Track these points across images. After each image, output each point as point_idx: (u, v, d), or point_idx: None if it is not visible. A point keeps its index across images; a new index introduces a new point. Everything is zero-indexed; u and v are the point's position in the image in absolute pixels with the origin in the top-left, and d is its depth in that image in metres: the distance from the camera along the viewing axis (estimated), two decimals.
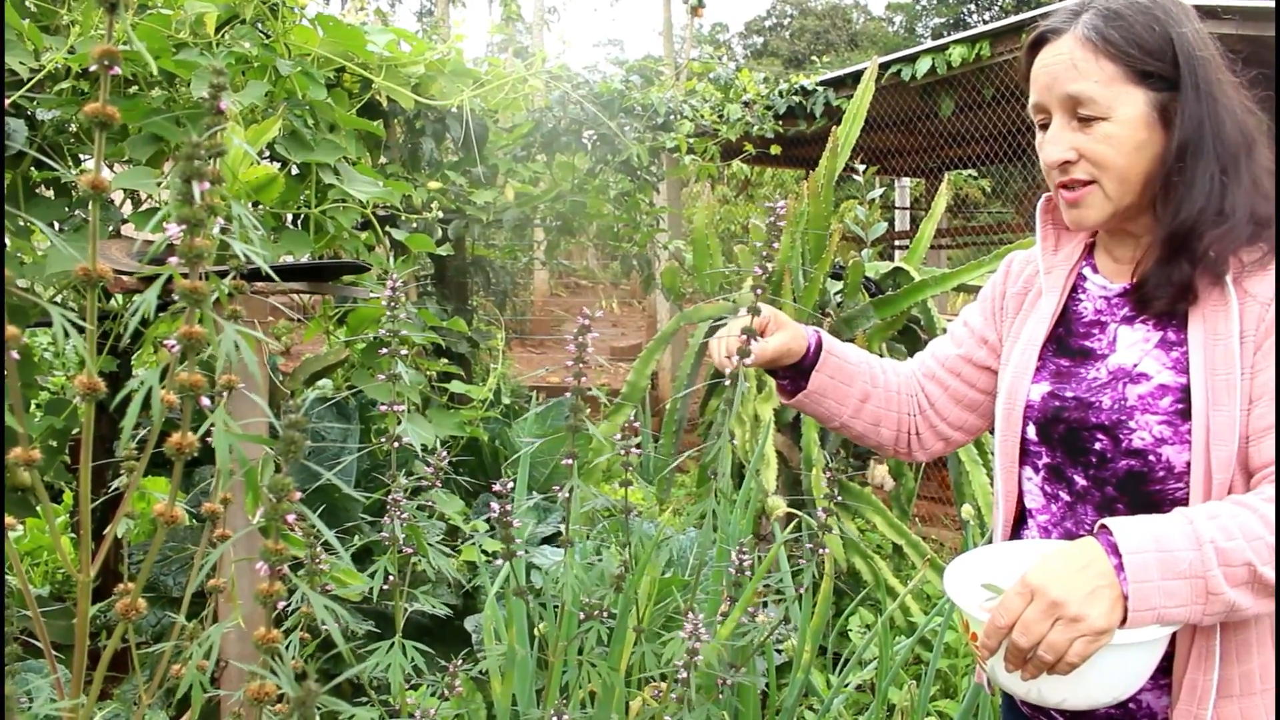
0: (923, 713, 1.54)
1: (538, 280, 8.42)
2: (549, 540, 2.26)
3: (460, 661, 1.17)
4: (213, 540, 0.86)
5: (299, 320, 2.16)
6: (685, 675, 0.99)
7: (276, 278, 1.16)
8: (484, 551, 2.12)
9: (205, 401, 0.65)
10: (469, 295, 3.05)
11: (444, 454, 1.19)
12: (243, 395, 0.83)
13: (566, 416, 0.96)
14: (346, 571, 1.53)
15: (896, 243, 5.77)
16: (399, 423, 1.11)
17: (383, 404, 1.12)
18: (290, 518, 0.64)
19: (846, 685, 1.74)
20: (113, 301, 1.72)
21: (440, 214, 2.53)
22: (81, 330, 0.82)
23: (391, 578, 1.10)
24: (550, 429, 2.45)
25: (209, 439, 0.61)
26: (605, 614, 1.10)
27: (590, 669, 1.02)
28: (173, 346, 0.66)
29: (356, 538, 1.24)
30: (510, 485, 1.03)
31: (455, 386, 2.46)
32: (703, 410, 3.07)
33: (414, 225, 2.35)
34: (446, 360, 2.56)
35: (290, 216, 1.90)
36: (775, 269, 1.30)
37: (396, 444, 1.10)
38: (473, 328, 2.90)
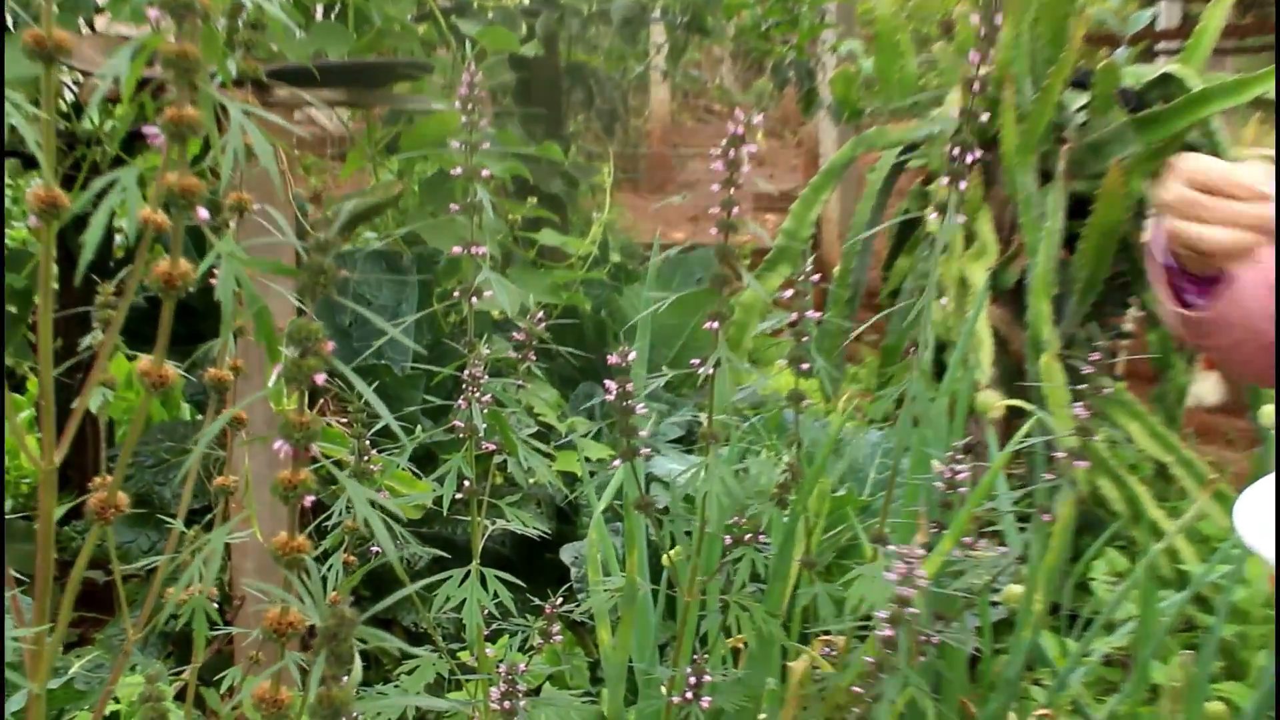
0: (1200, 697, 1.46)
1: (656, 102, 8.25)
2: (676, 444, 2.24)
3: (559, 600, 1.15)
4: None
5: (333, 156, 2.13)
6: (890, 633, 0.98)
7: (304, 83, 1.11)
8: (587, 459, 2.12)
9: (202, 214, 0.60)
10: (564, 116, 2.98)
11: (538, 316, 1.15)
12: (257, 221, 0.80)
13: (700, 278, 0.93)
14: (402, 476, 1.53)
15: (1163, 44, 5.36)
16: (478, 271, 1.06)
17: (454, 248, 1.08)
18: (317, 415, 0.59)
19: (1089, 654, 1.68)
20: (84, 121, 1.71)
21: (525, 1, 2.45)
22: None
23: (467, 483, 1.08)
24: (677, 294, 2.40)
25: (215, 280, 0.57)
26: (759, 540, 1.08)
27: (741, 613, 0.98)
28: (155, 137, 0.62)
29: (415, 434, 1.23)
30: (631, 355, 0.99)
31: (547, 237, 2.43)
32: (886, 272, 2.98)
33: (490, 16, 2.27)
34: (535, 202, 2.52)
35: (322, 7, 1.85)
36: (992, 75, 1.22)
37: (474, 300, 1.06)
38: (569, 160, 2.85)
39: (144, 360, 0.61)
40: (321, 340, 0.59)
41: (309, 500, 0.63)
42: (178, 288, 0.59)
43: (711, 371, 0.96)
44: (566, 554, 1.99)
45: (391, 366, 2.06)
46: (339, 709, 0.57)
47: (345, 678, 0.60)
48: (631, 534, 1.09)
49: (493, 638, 1.68)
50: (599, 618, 1.38)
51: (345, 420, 1.13)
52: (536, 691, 1.88)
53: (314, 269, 0.59)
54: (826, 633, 1.22)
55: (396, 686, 1.17)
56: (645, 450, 1.03)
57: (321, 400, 1.85)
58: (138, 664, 1.29)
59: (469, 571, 1.07)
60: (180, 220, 0.60)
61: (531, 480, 2.33)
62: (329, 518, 1.05)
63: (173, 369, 0.63)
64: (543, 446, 1.20)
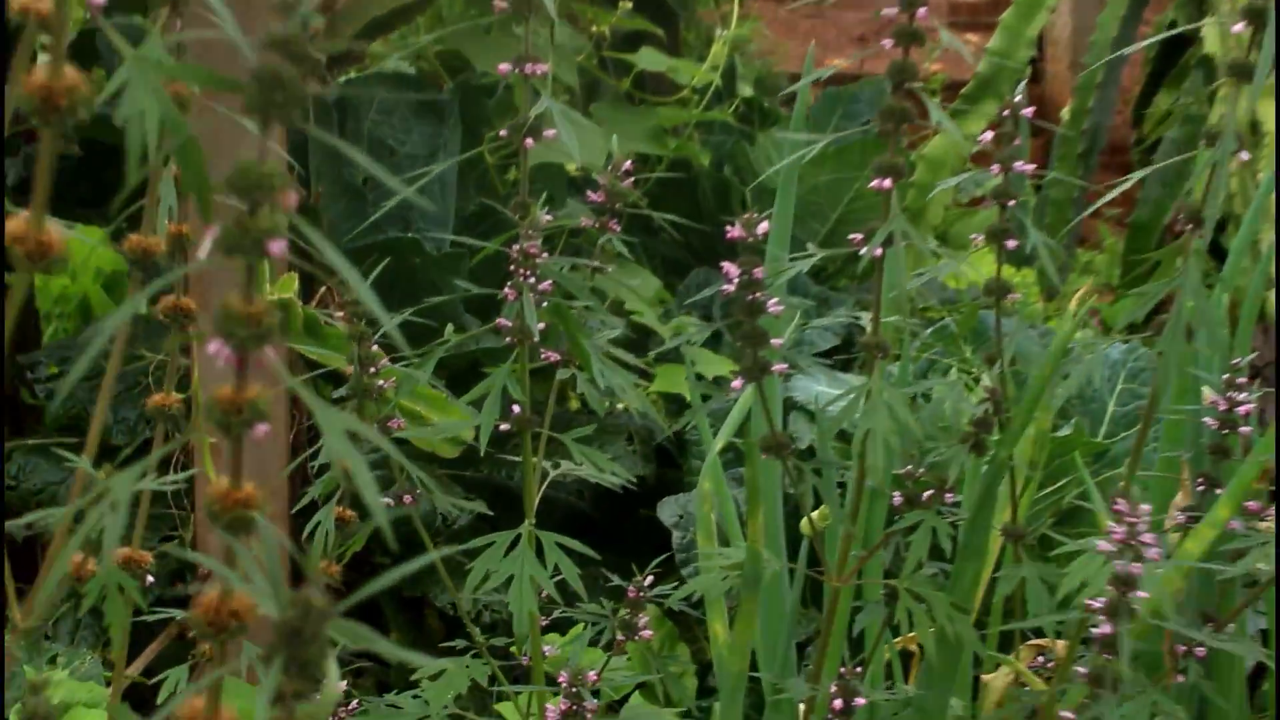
0: None
1: None
2: (826, 358, 2.20)
3: (649, 579, 1.13)
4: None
5: None
6: (1108, 629, 0.97)
7: None
8: (698, 377, 2.09)
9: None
10: None
11: (627, 169, 1.12)
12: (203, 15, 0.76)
13: (867, 121, 0.92)
14: (430, 395, 1.51)
15: None
16: (535, 98, 1.03)
17: (501, 66, 1.04)
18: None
19: None
20: None
21: None
22: None
23: (516, 409, 1.05)
24: (834, 142, 2.34)
25: None
26: (944, 499, 1.07)
27: (914, 605, 0.96)
28: None
29: (447, 336, 1.20)
30: (763, 226, 0.97)
31: (647, 60, 2.38)
32: (1139, 115, 2.91)
33: None
34: (631, 8, 2.48)
35: None
36: None
37: (529, 142, 1.03)
38: None
39: (17, 220, 0.57)
40: (276, 189, 0.55)
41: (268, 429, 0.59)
42: (62, 109, 0.55)
43: (879, 253, 0.94)
44: (667, 512, 1.99)
45: (421, 242, 2.03)
46: None
47: (315, 695, 0.57)
48: (757, 487, 1.07)
49: (559, 629, 1.68)
50: (710, 605, 1.37)
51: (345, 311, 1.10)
52: (618, 708, 1.87)
53: (267, 79, 0.54)
54: (1039, 634, 1.22)
55: (418, 697, 1.17)
56: (781, 366, 1.02)
57: (323, 289, 1.84)
58: (60, 655, 1.31)
59: (518, 536, 1.05)
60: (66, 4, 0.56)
61: (616, 406, 2.33)
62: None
63: (65, 233, 0.59)
64: (630, 358, 1.17)
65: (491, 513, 1.32)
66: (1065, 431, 1.70)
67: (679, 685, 1.44)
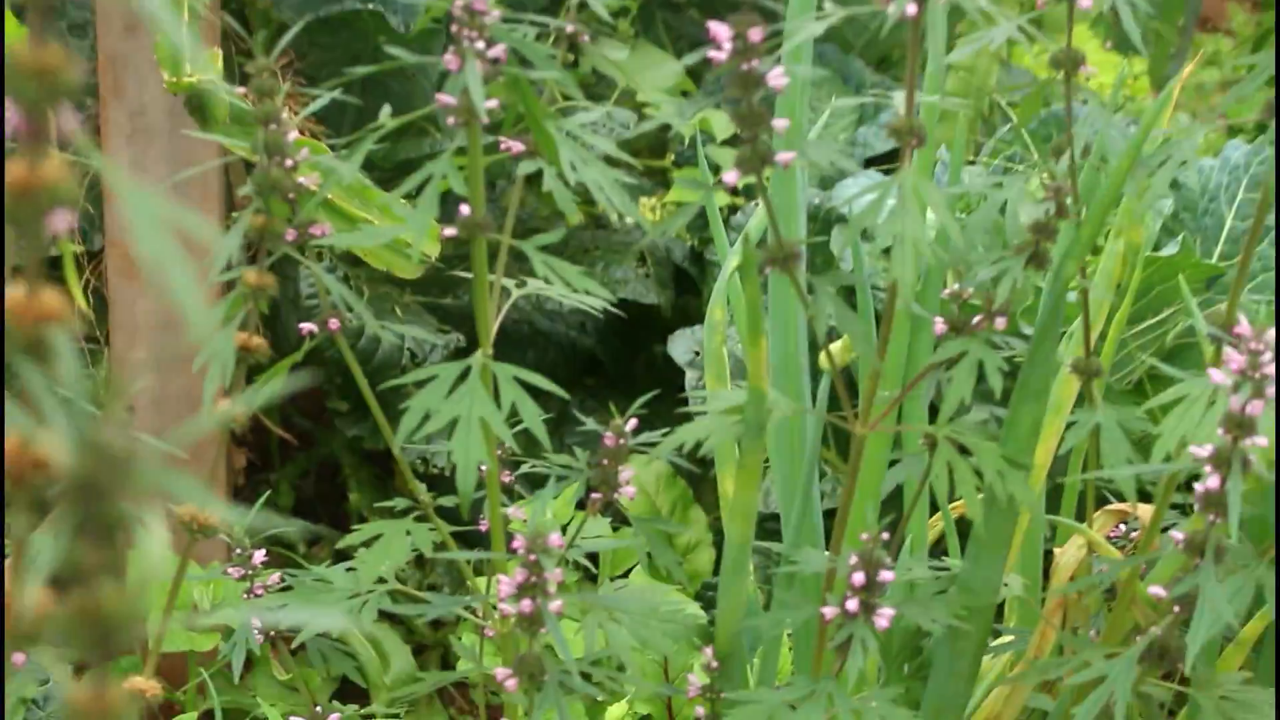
0: None
1: None
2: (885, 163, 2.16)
3: (632, 424, 1.13)
4: None
5: None
6: (1214, 483, 0.95)
7: None
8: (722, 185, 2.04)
9: None
10: None
11: None
12: None
13: None
14: (373, 197, 1.47)
15: None
16: None
17: None
18: None
19: None
20: None
21: None
22: None
23: (464, 211, 1.03)
24: None
25: None
26: (994, 325, 1.04)
27: (956, 459, 0.93)
28: None
29: (383, 120, 1.15)
30: None
31: None
32: None
33: None
34: None
35: None
36: None
37: None
38: None
39: None
40: None
41: None
42: None
43: (913, 10, 0.90)
44: (680, 347, 2.01)
45: (385, 15, 1.97)
46: (105, 622, 0.50)
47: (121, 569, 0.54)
48: (756, 309, 1.02)
49: (535, 485, 1.66)
50: (720, 460, 1.34)
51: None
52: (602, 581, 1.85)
53: None
54: (1119, 498, 1.20)
55: (353, 569, 1.15)
56: (787, 155, 0.97)
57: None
58: None
59: (466, 369, 1.00)
60: None
61: (626, 220, 2.28)
62: None
63: None
64: (627, 156, 1.11)
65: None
66: (1170, 251, 1.65)
67: (679, 558, 1.40)
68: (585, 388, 2.51)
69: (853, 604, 0.98)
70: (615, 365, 2.50)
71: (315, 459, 2.59)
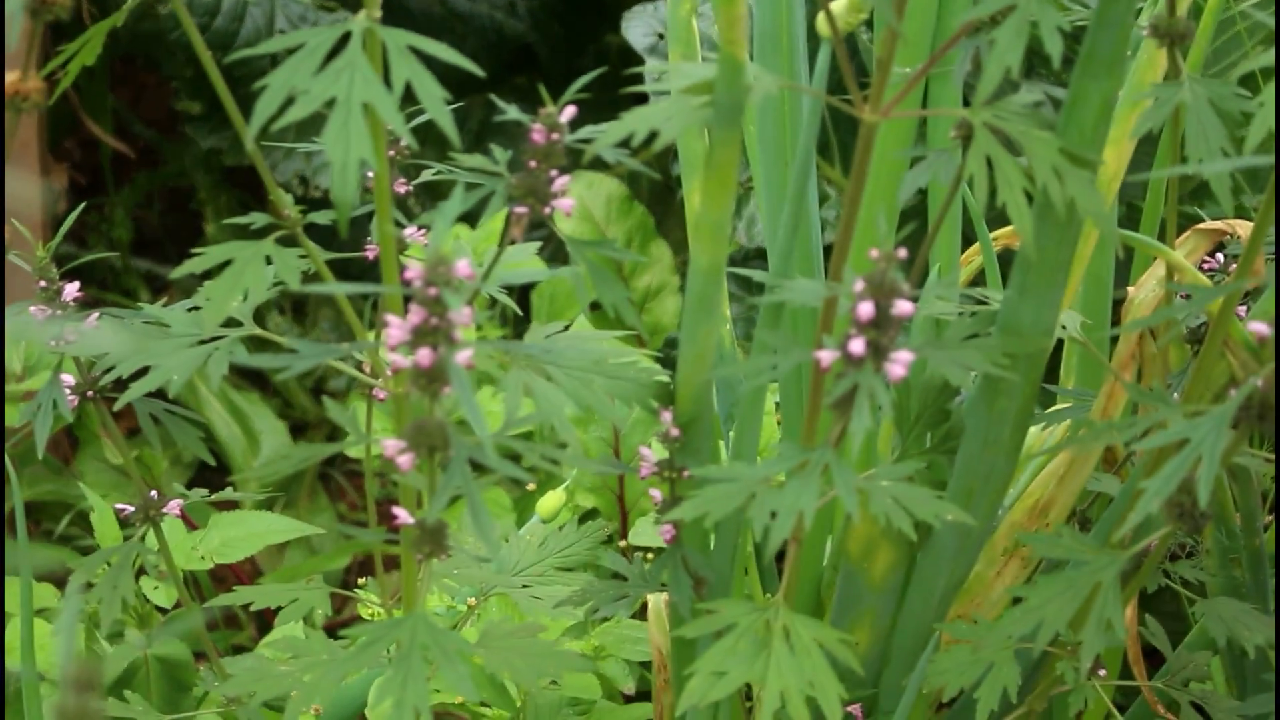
0: None
1: None
2: None
3: (568, 114, 1.10)
4: None
5: None
6: None
7: None
8: None
9: None
10: None
11: None
12: None
13: None
14: None
15: None
16: None
17: None
18: None
19: None
20: None
21: None
22: None
23: None
24: None
25: None
26: None
27: (995, 152, 0.90)
28: None
29: None
30: None
31: None
32: None
33: None
34: None
35: None
36: None
37: None
38: None
39: None
40: None
41: None
42: None
43: None
44: (638, 29, 1.98)
45: None
46: None
47: None
48: None
49: (439, 200, 1.64)
50: (686, 165, 1.32)
51: None
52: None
53: None
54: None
55: (197, 309, 1.12)
56: None
57: None
58: None
59: (345, 35, 0.97)
60: None
61: None
62: None
63: None
64: None
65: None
66: None
67: (631, 298, 1.37)
68: (515, 89, 2.47)
69: (857, 345, 0.96)
70: (554, 59, 2.47)
71: (162, 180, 2.56)
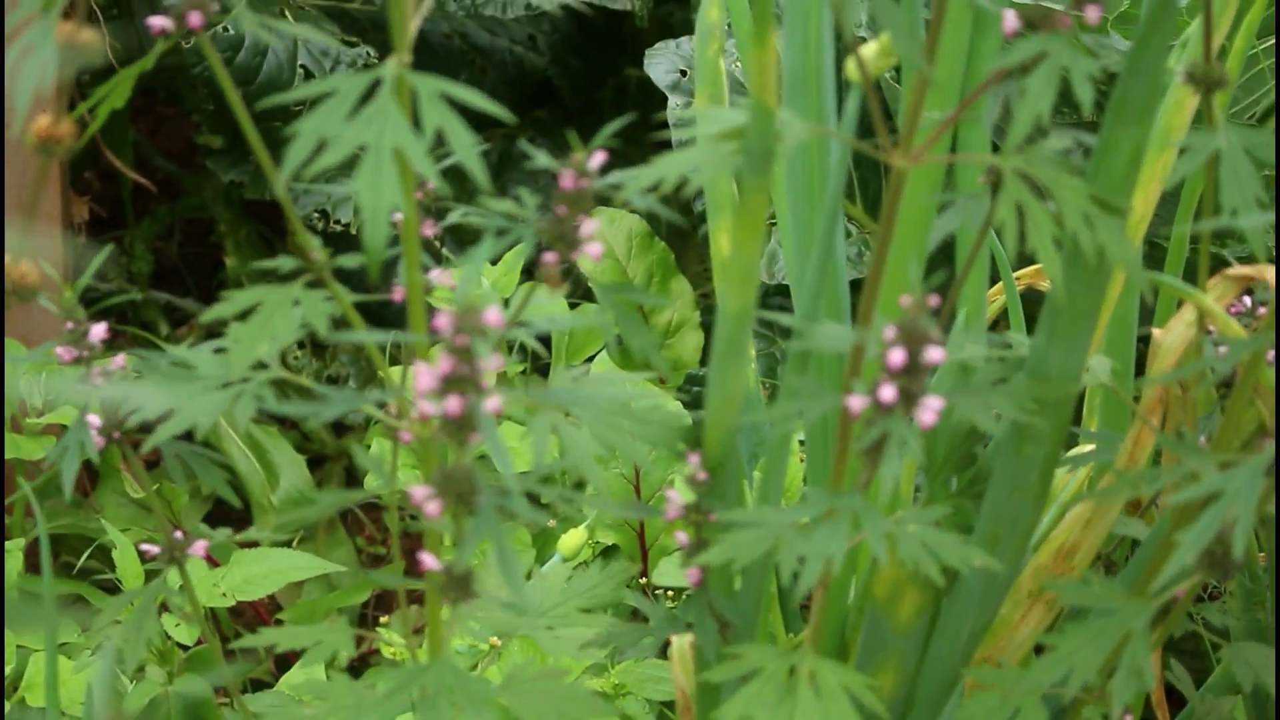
0: None
1: None
2: None
3: (599, 161, 1.10)
4: None
5: None
6: None
7: None
8: None
9: None
10: None
11: None
12: None
13: None
14: None
15: None
16: None
17: None
18: None
19: None
20: None
21: None
22: None
23: None
24: None
25: None
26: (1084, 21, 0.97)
27: (1025, 198, 0.89)
28: None
29: None
30: None
31: None
32: None
33: None
34: None
35: None
36: None
37: None
38: None
39: None
40: None
41: None
42: None
43: None
44: (661, 66, 1.96)
45: None
46: None
47: None
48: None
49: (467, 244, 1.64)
50: (713, 208, 1.32)
51: None
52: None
53: None
54: (1242, 261, 1.21)
55: (223, 351, 1.13)
56: None
57: None
58: None
59: (375, 82, 0.97)
60: None
61: None
62: None
63: None
64: None
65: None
66: None
67: (656, 340, 1.37)
68: (535, 122, 2.48)
69: (888, 391, 0.96)
70: (574, 92, 2.47)
71: (181, 213, 2.57)
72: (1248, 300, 1.24)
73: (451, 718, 1.01)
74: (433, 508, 0.99)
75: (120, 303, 2.38)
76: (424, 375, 0.97)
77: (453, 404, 0.96)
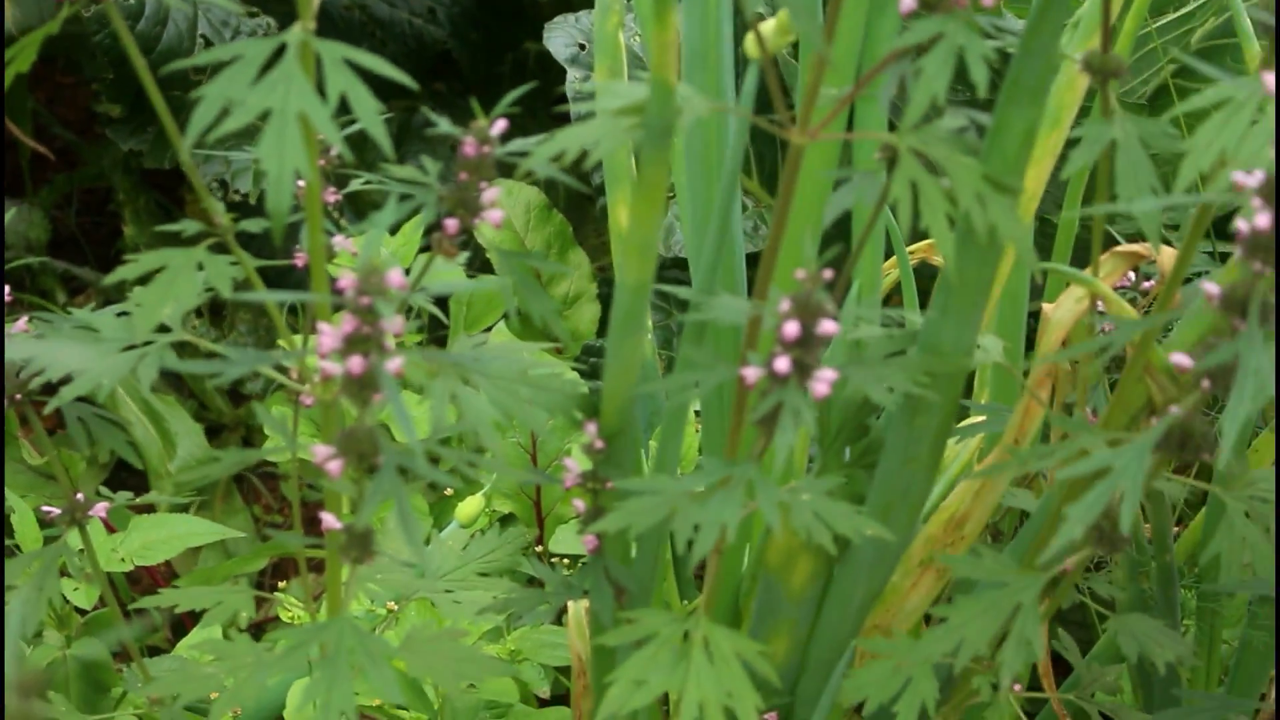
0: None
1: None
2: None
3: (500, 127, 1.10)
4: None
5: None
6: (1262, 220, 0.93)
7: None
8: None
9: None
10: None
11: None
12: None
13: None
14: None
15: None
16: None
17: None
18: None
19: None
20: None
21: None
22: None
23: None
24: None
25: None
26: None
27: (919, 175, 0.92)
28: None
29: None
30: None
31: None
32: None
33: None
34: None
35: None
36: None
37: None
38: None
39: None
40: None
41: None
42: None
43: None
44: (560, 39, 1.96)
45: None
46: None
47: None
48: None
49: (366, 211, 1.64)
50: (612, 181, 1.32)
51: None
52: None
53: None
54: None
55: (126, 314, 1.12)
56: None
57: None
58: None
59: (280, 46, 0.97)
60: None
61: None
62: None
63: None
64: None
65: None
66: None
67: (550, 304, 1.39)
68: (434, 95, 2.47)
69: (783, 363, 0.96)
70: (473, 65, 2.46)
71: (80, 182, 2.55)
72: (1131, 275, 1.26)
73: (351, 676, 1.02)
74: (334, 467, 0.99)
75: (16, 268, 2.36)
76: (327, 335, 0.97)
77: (355, 363, 0.96)
